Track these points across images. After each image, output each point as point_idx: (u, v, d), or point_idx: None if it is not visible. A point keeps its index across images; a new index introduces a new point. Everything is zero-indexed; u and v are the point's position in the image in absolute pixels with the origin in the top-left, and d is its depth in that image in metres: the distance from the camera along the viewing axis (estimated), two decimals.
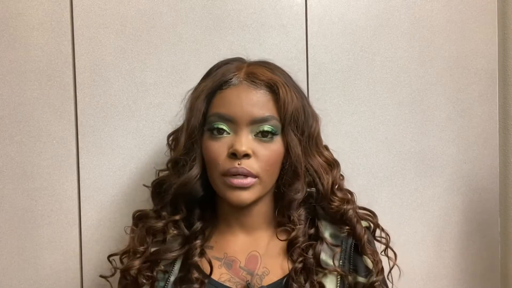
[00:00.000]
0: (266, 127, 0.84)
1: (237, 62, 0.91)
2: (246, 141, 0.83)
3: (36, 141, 1.11)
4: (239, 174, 0.82)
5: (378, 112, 1.17)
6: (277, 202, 0.91)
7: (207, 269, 0.87)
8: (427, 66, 1.18)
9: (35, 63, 1.11)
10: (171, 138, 0.97)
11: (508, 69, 1.18)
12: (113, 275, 0.94)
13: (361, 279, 0.87)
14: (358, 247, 0.89)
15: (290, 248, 0.87)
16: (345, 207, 0.89)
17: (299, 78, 0.96)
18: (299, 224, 0.88)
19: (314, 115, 0.91)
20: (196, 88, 0.91)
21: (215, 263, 0.88)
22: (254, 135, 0.84)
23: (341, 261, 0.87)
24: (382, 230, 0.95)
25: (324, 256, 0.86)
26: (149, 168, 1.11)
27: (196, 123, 0.86)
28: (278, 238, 0.89)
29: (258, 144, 0.84)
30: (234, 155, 0.82)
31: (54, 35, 1.11)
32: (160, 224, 0.89)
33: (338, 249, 0.87)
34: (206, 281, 0.86)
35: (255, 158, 0.83)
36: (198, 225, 0.89)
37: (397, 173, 1.18)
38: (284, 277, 0.86)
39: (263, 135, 0.84)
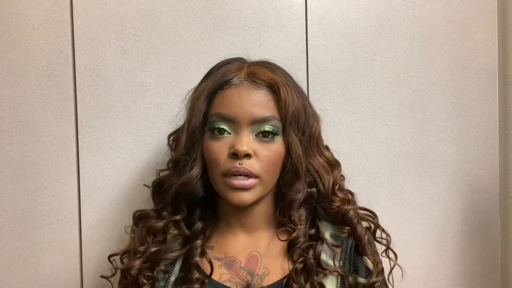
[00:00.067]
0: (267, 127, 0.84)
1: (238, 62, 0.91)
2: (247, 141, 0.83)
3: (36, 141, 1.11)
4: (240, 174, 0.83)
5: (378, 112, 1.17)
6: (278, 202, 0.91)
7: (207, 269, 0.87)
8: (427, 66, 1.18)
9: (35, 63, 1.11)
10: (171, 138, 0.97)
11: (508, 69, 1.18)
12: (113, 275, 0.94)
13: (361, 280, 0.87)
14: (358, 248, 0.88)
15: (290, 249, 0.87)
16: (345, 207, 0.89)
17: (299, 78, 0.96)
18: (300, 225, 0.88)
19: (315, 115, 0.91)
20: (197, 88, 0.91)
21: (216, 263, 0.87)
22: (255, 135, 0.84)
23: (341, 261, 0.87)
24: (383, 230, 0.95)
25: (325, 257, 0.86)
26: (149, 168, 1.11)
27: (197, 123, 0.86)
28: (279, 239, 0.89)
29: (259, 144, 0.84)
30: (235, 155, 0.82)
31: (54, 35, 1.11)
32: (160, 224, 0.89)
33: (338, 250, 0.87)
34: (206, 281, 0.86)
35: (256, 158, 0.84)
36: (198, 225, 0.89)
37: (397, 173, 1.18)
38: (284, 278, 0.86)
39: (264, 135, 0.84)
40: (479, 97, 1.20)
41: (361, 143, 1.17)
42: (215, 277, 0.86)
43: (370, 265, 0.88)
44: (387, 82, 1.17)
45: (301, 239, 0.87)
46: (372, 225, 0.95)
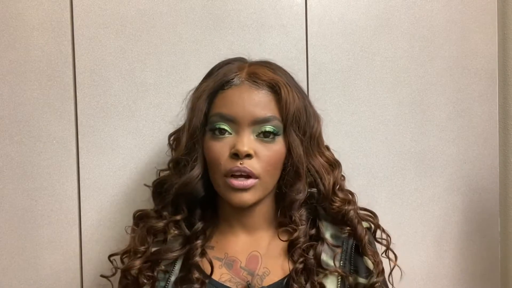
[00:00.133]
0: (268, 128, 0.84)
1: (238, 62, 0.91)
2: (248, 141, 0.83)
3: (36, 141, 1.11)
4: (241, 175, 0.83)
5: (378, 112, 1.17)
6: (279, 202, 0.91)
7: (207, 269, 0.87)
8: (427, 66, 1.18)
9: (35, 63, 1.11)
10: (172, 138, 0.97)
11: (508, 69, 1.18)
12: (113, 274, 0.94)
13: (361, 280, 0.87)
14: (359, 248, 0.89)
15: (291, 249, 0.87)
16: (346, 207, 0.89)
17: (299, 78, 0.96)
18: (301, 225, 0.88)
19: (315, 115, 0.91)
20: (197, 88, 0.91)
21: (216, 263, 0.87)
22: (256, 135, 0.84)
23: (341, 261, 0.87)
24: (383, 231, 0.95)
25: (325, 257, 0.86)
26: (149, 168, 1.11)
27: (197, 123, 0.86)
28: (279, 239, 0.89)
29: (259, 144, 0.84)
30: (236, 155, 0.82)
31: (54, 35, 1.11)
32: (161, 224, 0.89)
33: (339, 250, 0.88)
34: (206, 281, 0.86)
35: (256, 158, 0.84)
36: (199, 225, 0.89)
37: (397, 173, 1.18)
38: (284, 278, 0.86)
39: (265, 136, 0.84)
40: (479, 97, 1.20)
41: (361, 143, 1.17)
42: (215, 277, 0.86)
43: (370, 265, 0.88)
44: (387, 82, 1.17)
45: (302, 239, 0.87)
46: (373, 226, 0.95)
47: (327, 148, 0.95)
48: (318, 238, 0.88)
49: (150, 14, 1.12)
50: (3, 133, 1.10)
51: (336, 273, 0.85)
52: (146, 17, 1.12)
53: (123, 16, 1.12)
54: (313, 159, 0.89)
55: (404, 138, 1.18)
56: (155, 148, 1.12)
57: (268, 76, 0.86)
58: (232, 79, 0.86)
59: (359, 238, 0.88)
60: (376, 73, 1.17)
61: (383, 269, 0.89)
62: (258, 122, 0.84)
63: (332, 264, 0.86)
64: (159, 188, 0.93)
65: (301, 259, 0.85)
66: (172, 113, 1.08)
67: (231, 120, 0.84)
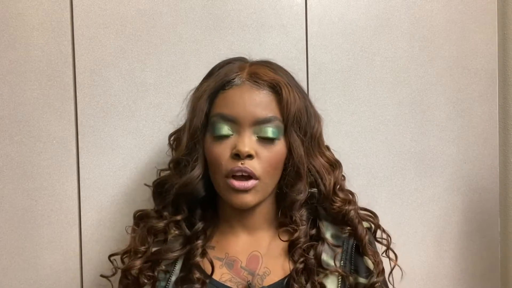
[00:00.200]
0: (270, 133, 0.84)
1: (239, 62, 0.91)
2: (249, 142, 0.83)
3: (36, 141, 1.11)
4: (242, 175, 0.83)
5: (378, 112, 1.17)
6: (279, 202, 0.91)
7: (208, 269, 0.87)
8: (427, 66, 1.18)
9: (35, 63, 1.11)
10: (172, 138, 0.97)
11: (508, 69, 1.18)
12: (113, 274, 0.94)
13: (362, 280, 0.87)
14: (359, 248, 0.89)
15: (291, 249, 0.87)
16: (346, 207, 0.89)
17: (299, 78, 0.96)
18: (302, 225, 0.87)
19: (316, 116, 0.91)
20: (198, 88, 0.91)
21: (216, 263, 0.87)
22: (257, 136, 0.84)
23: (342, 261, 0.87)
24: (383, 231, 0.95)
25: (325, 257, 0.87)
26: (149, 168, 1.11)
27: (198, 123, 0.86)
28: (280, 239, 0.89)
29: (260, 145, 0.84)
30: (237, 155, 0.82)
31: (54, 35, 1.11)
32: (161, 224, 0.89)
33: (339, 250, 0.88)
34: (207, 281, 0.86)
35: (257, 159, 0.84)
36: (199, 225, 0.89)
37: (397, 173, 1.18)
38: (285, 278, 0.86)
39: (266, 139, 0.84)
40: (479, 97, 1.20)
41: (361, 143, 1.17)
42: (216, 277, 0.86)
43: (370, 265, 0.88)
44: (387, 82, 1.17)
45: (302, 239, 0.87)
46: (373, 225, 0.95)
47: (328, 148, 0.95)
48: (319, 238, 0.88)
49: (150, 14, 1.12)
50: (3, 133, 1.10)
51: (337, 273, 0.85)
52: (146, 17, 1.12)
53: (123, 16, 1.12)
54: (314, 159, 0.89)
55: (404, 138, 1.18)
56: (155, 148, 1.12)
57: (269, 76, 0.86)
58: (233, 79, 0.86)
59: (360, 238, 0.88)
60: (376, 73, 1.17)
61: (383, 269, 0.89)
62: (259, 122, 0.84)
63: (333, 264, 0.86)
64: (159, 188, 0.93)
65: (301, 259, 0.85)
66: (172, 113, 1.08)
67: (232, 121, 0.84)
